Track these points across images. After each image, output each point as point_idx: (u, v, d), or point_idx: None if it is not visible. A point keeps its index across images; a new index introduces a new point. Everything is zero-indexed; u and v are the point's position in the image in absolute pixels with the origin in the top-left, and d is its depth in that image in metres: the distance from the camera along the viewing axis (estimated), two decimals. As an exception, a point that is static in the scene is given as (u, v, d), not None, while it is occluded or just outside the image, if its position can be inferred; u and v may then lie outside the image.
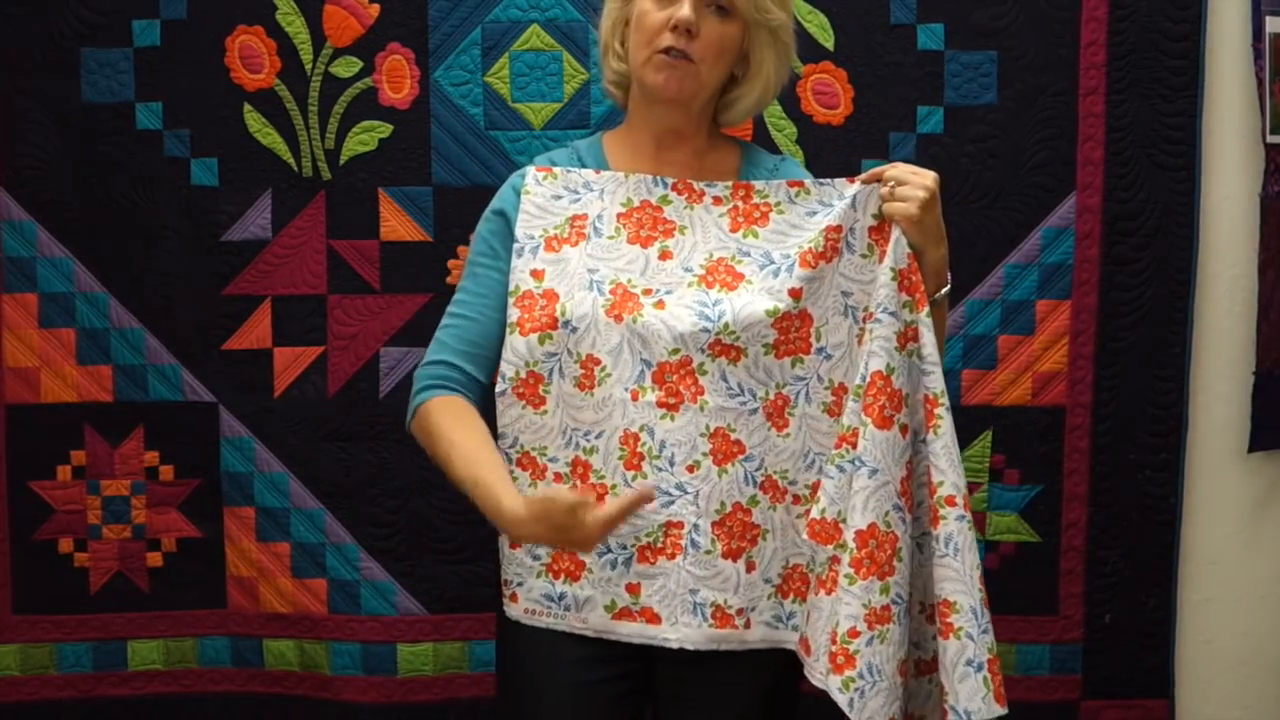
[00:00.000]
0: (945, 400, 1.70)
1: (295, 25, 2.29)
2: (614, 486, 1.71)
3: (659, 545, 1.71)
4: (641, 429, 1.71)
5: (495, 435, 1.77)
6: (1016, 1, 2.28)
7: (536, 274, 1.76)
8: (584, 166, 1.85)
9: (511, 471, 1.74)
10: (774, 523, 1.74)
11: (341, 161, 2.32)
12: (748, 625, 1.73)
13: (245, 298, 2.33)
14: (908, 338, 1.70)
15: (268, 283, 2.33)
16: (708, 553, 1.70)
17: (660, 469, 1.71)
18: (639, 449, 1.71)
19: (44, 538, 2.36)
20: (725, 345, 1.71)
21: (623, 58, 1.82)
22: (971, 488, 2.35)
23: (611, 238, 1.77)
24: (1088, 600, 2.37)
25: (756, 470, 1.72)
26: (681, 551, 1.70)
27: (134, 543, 2.37)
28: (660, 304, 1.73)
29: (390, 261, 2.33)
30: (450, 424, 1.74)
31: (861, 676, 1.67)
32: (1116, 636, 2.38)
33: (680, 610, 1.71)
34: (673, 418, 1.72)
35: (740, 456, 1.72)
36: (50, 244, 2.32)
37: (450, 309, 1.83)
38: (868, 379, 1.69)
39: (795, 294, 1.71)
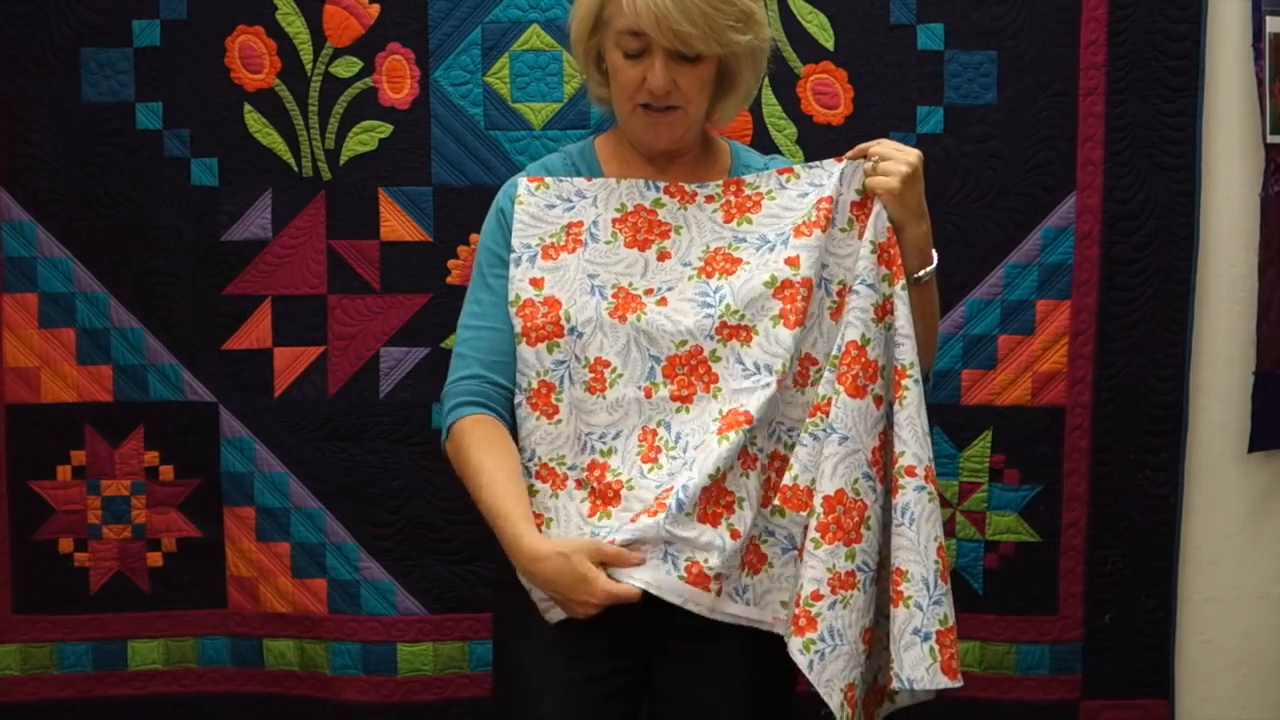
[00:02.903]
0: (914, 372, 1.71)
1: (295, 25, 2.29)
2: (629, 480, 1.71)
3: (649, 507, 1.69)
4: (659, 424, 1.72)
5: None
6: (1016, 1, 2.28)
7: (536, 282, 1.76)
8: (578, 172, 1.86)
9: (532, 486, 1.74)
10: (748, 491, 1.72)
11: (341, 161, 2.32)
12: (720, 593, 1.70)
13: (245, 298, 2.33)
14: (885, 310, 1.72)
15: (268, 283, 2.33)
16: (688, 514, 1.67)
17: (674, 458, 1.71)
18: (656, 443, 1.71)
19: (44, 538, 2.36)
20: (733, 327, 1.71)
21: (601, 84, 1.83)
22: (972, 488, 2.35)
23: (609, 243, 1.78)
24: (1088, 600, 2.37)
25: (750, 440, 1.71)
26: (664, 509, 1.67)
27: (134, 543, 2.37)
28: (663, 301, 1.74)
29: (390, 261, 2.33)
30: (479, 449, 1.73)
31: (823, 639, 1.67)
32: (1116, 636, 2.38)
33: (654, 557, 1.67)
34: (687, 410, 1.72)
35: (746, 425, 1.69)
36: (50, 244, 2.32)
37: (465, 321, 1.83)
38: (843, 349, 1.70)
39: (792, 262, 1.72)
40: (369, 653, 2.37)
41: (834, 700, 1.68)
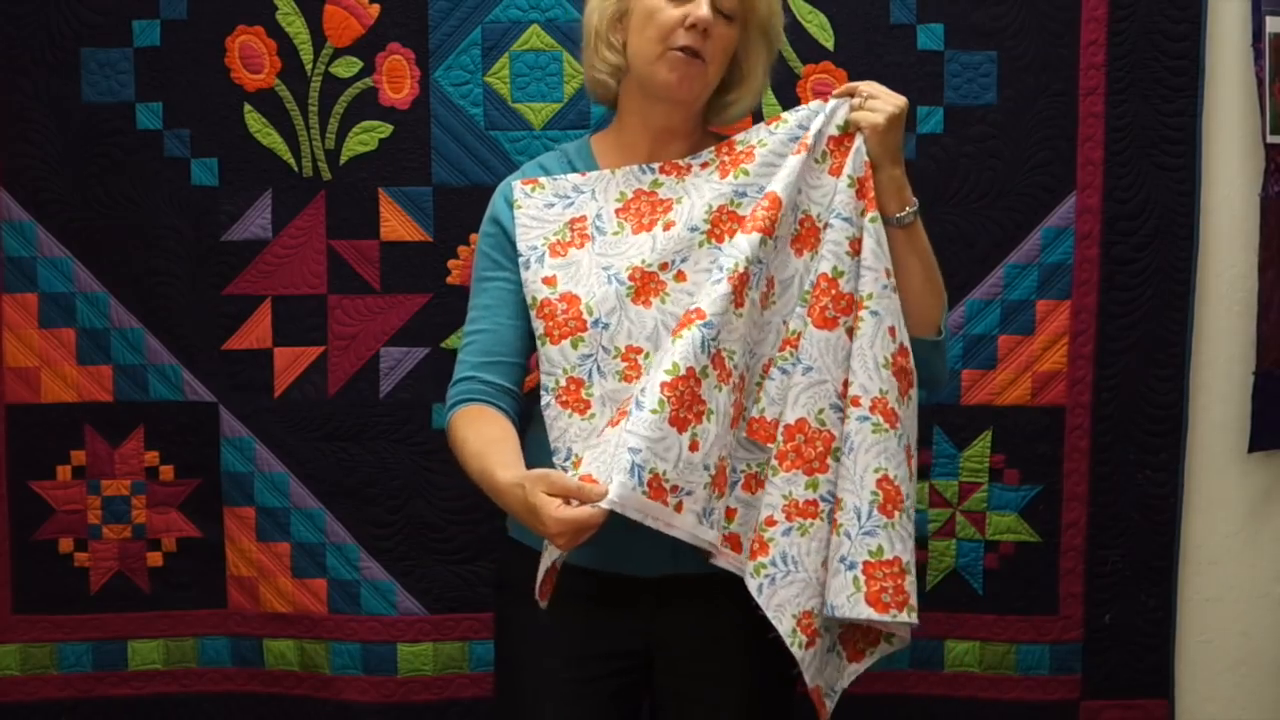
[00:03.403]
0: (872, 304, 1.71)
1: (295, 25, 2.29)
2: None
3: (611, 419, 1.68)
4: None
5: (546, 448, 1.74)
6: (1016, 1, 2.28)
7: (549, 281, 1.76)
8: (574, 170, 1.86)
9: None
10: (719, 404, 1.68)
11: (341, 161, 2.32)
12: (679, 508, 1.63)
13: (245, 298, 2.33)
14: (860, 244, 1.73)
15: (268, 283, 2.33)
16: (654, 412, 1.61)
17: None
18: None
19: (44, 538, 2.36)
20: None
21: (617, 50, 1.82)
22: (972, 488, 2.35)
23: (616, 234, 1.78)
24: (1088, 600, 2.37)
25: (713, 339, 1.67)
26: (625, 415, 1.64)
27: (134, 543, 2.37)
28: (680, 275, 1.74)
29: (390, 261, 2.33)
30: (466, 430, 1.75)
31: (774, 564, 1.67)
32: (1116, 636, 2.38)
33: (616, 469, 1.59)
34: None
35: (699, 321, 1.67)
36: (50, 244, 2.32)
37: (466, 329, 1.85)
38: (814, 281, 1.72)
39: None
40: (369, 653, 2.37)
41: (784, 625, 1.68)
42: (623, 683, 1.79)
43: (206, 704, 2.39)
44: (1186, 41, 2.29)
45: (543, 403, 1.75)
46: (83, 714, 2.37)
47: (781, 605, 1.68)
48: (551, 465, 1.69)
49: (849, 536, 1.68)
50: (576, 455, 1.70)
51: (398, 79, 2.30)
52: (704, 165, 1.82)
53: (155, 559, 2.37)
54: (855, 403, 1.70)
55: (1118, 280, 2.32)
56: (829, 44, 2.29)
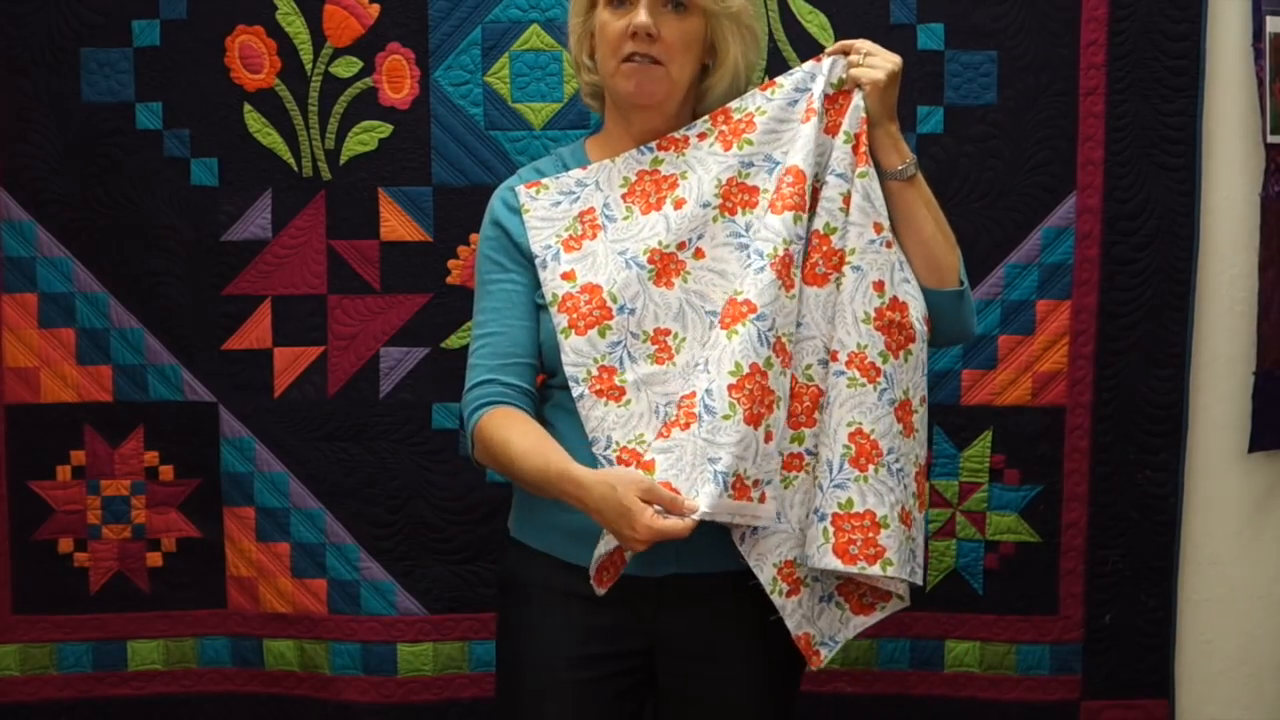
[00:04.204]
0: (855, 259, 1.71)
1: (295, 25, 2.29)
2: None
3: (672, 418, 1.68)
4: None
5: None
6: (1016, 1, 2.28)
7: (567, 276, 1.76)
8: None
9: None
10: (784, 390, 1.70)
11: (341, 161, 2.32)
12: (762, 499, 1.67)
13: (245, 298, 2.33)
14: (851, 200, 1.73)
15: (268, 283, 2.33)
16: (726, 417, 1.64)
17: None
18: None
19: (44, 538, 2.36)
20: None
21: (593, 70, 1.85)
22: (972, 488, 2.35)
23: (626, 218, 1.78)
24: (1088, 600, 2.37)
25: (769, 331, 1.68)
26: (695, 420, 1.65)
27: (134, 543, 2.37)
28: (699, 253, 1.74)
29: (390, 261, 2.33)
30: (506, 431, 1.74)
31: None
32: (1116, 636, 2.38)
33: (700, 481, 1.63)
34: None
35: (751, 315, 1.67)
36: (50, 244, 2.32)
37: (474, 333, 1.85)
38: (807, 238, 1.72)
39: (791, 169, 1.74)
40: (369, 653, 2.37)
41: (764, 574, 1.69)
42: (625, 683, 1.79)
43: (206, 704, 2.39)
44: (1186, 41, 2.29)
45: (575, 394, 1.74)
46: (83, 714, 2.37)
47: (763, 555, 1.69)
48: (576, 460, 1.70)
49: (820, 489, 1.71)
50: (619, 444, 1.71)
51: (398, 79, 2.30)
52: (701, 136, 1.80)
53: (155, 559, 2.37)
54: (834, 357, 1.71)
55: (1118, 280, 2.32)
56: (829, 44, 2.29)
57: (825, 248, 1.72)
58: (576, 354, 1.74)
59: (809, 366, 1.72)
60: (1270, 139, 2.32)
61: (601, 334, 1.73)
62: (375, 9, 2.29)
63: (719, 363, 1.66)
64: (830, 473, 1.69)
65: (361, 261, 2.33)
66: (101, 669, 2.37)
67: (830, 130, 1.76)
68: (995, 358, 2.34)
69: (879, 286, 1.72)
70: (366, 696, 2.36)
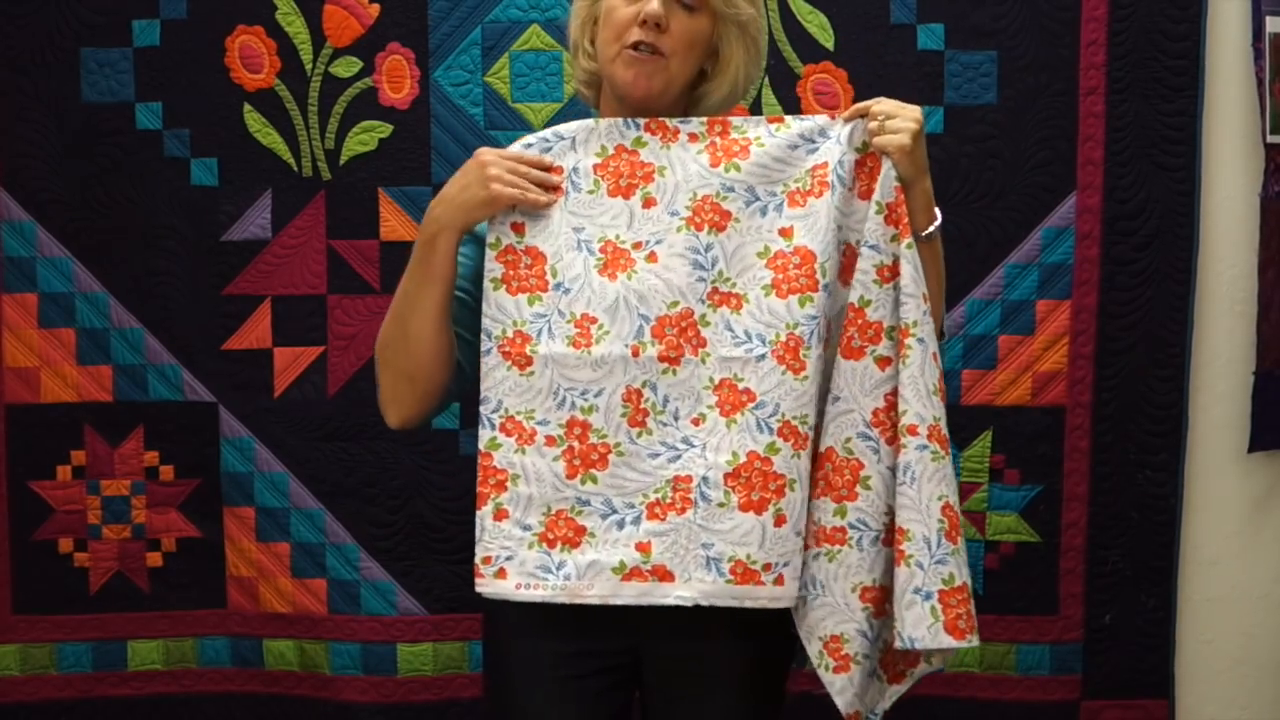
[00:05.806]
0: (918, 331, 1.68)
1: (295, 25, 2.29)
2: (618, 444, 1.68)
3: (668, 501, 1.68)
4: (644, 385, 1.69)
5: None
6: (1016, 1, 2.28)
7: (517, 227, 1.73)
8: None
9: (494, 439, 1.69)
10: (799, 471, 1.68)
11: (341, 161, 2.32)
12: (779, 581, 1.66)
13: (245, 298, 2.33)
14: (894, 271, 1.69)
15: (268, 283, 2.33)
16: (721, 505, 1.66)
17: (665, 424, 1.69)
18: (642, 405, 1.69)
19: (44, 538, 2.36)
20: (724, 294, 1.70)
21: (592, 56, 1.81)
22: (972, 488, 2.35)
23: (591, 192, 1.74)
24: (1088, 600, 2.37)
25: (771, 417, 1.67)
26: (691, 505, 1.66)
27: (134, 543, 2.37)
28: (652, 256, 1.71)
29: (390, 261, 2.33)
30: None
31: (805, 586, 1.67)
32: (1116, 636, 2.38)
33: (693, 565, 1.66)
34: (674, 372, 1.69)
35: (750, 405, 1.68)
36: (50, 244, 2.32)
37: None
38: (844, 312, 1.70)
39: (785, 233, 1.70)
40: (369, 653, 2.37)
41: (812, 648, 1.68)
42: (613, 679, 1.79)
43: (206, 704, 2.39)
44: (1186, 41, 2.29)
45: (483, 349, 1.72)
46: (83, 714, 2.37)
47: (811, 628, 1.68)
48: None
49: (921, 567, 1.66)
50: (508, 410, 1.69)
51: (398, 79, 2.30)
52: (693, 137, 1.76)
53: (155, 559, 2.37)
54: (912, 431, 1.67)
55: (1118, 280, 2.32)
56: (829, 44, 2.29)
57: (860, 320, 1.69)
58: (500, 310, 1.71)
59: (849, 440, 1.69)
60: (1270, 139, 2.32)
61: (530, 302, 1.71)
62: (375, 9, 2.29)
63: (717, 450, 1.67)
64: (930, 549, 1.66)
65: (361, 261, 2.33)
66: (101, 669, 2.38)
67: (864, 195, 1.72)
68: (995, 358, 2.34)
69: (935, 358, 1.71)
70: (366, 696, 2.36)
